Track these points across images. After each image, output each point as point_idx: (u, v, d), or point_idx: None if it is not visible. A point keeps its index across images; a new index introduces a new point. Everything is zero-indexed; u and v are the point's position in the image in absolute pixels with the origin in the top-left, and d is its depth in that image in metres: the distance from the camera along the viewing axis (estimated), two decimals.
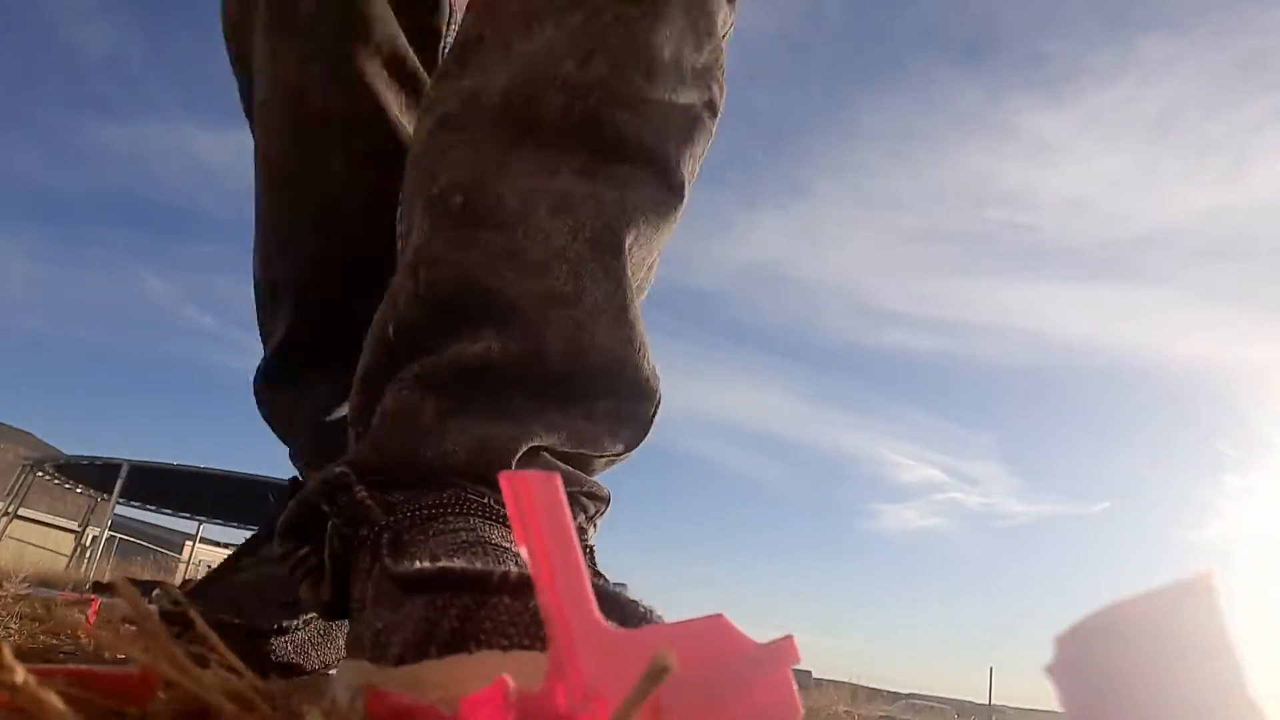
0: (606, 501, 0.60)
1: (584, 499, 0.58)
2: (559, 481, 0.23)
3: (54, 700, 0.17)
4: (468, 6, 0.67)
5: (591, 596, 0.22)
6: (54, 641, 0.77)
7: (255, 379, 0.90)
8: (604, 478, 0.62)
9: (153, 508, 14.94)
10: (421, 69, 0.83)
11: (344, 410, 0.75)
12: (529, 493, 0.23)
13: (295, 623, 0.68)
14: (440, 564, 0.41)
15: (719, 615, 0.25)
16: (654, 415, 0.62)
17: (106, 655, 0.69)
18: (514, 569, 0.39)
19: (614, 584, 0.44)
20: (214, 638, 0.28)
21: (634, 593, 0.43)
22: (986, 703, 23.37)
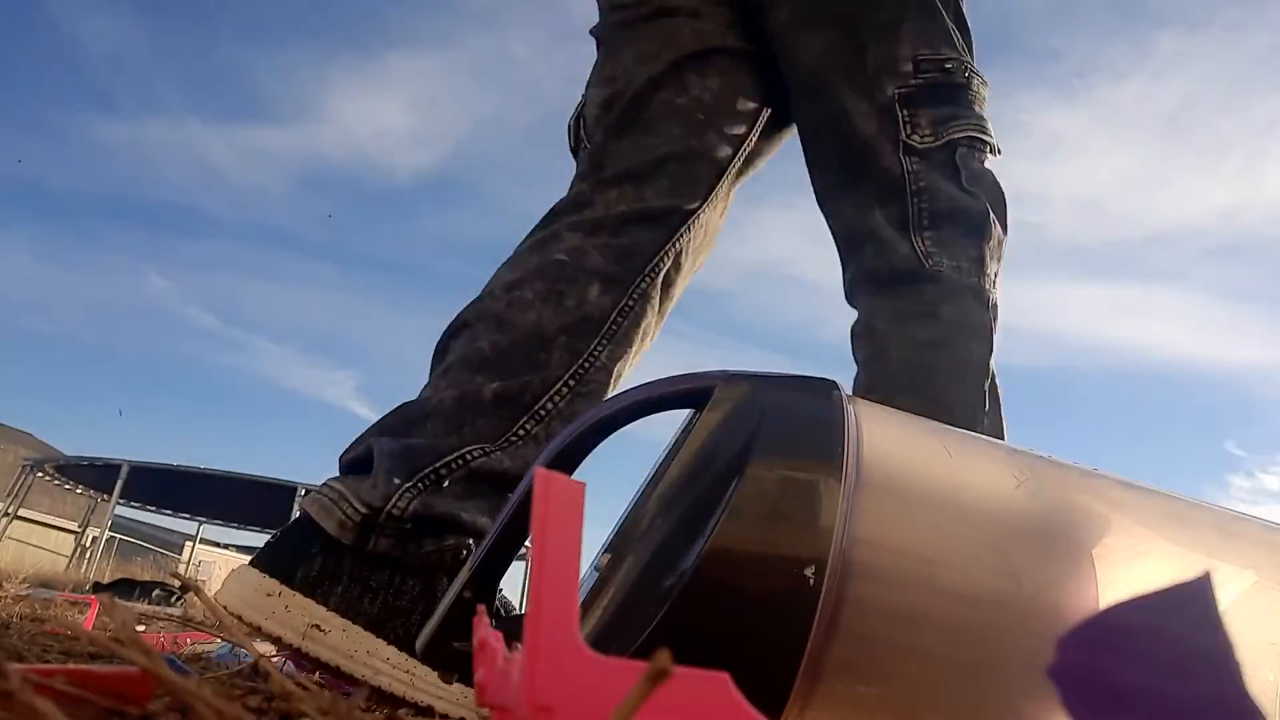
0: None
1: None
2: (582, 491, 0.22)
3: (49, 706, 0.17)
4: None
5: (574, 612, 0.21)
6: (53, 642, 0.77)
7: None
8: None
9: (153, 508, 14.90)
10: None
11: None
12: (547, 493, 0.22)
13: None
14: None
15: (723, 675, 0.22)
16: None
17: (105, 655, 0.68)
18: None
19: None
20: (224, 617, 0.28)
21: None
22: None
